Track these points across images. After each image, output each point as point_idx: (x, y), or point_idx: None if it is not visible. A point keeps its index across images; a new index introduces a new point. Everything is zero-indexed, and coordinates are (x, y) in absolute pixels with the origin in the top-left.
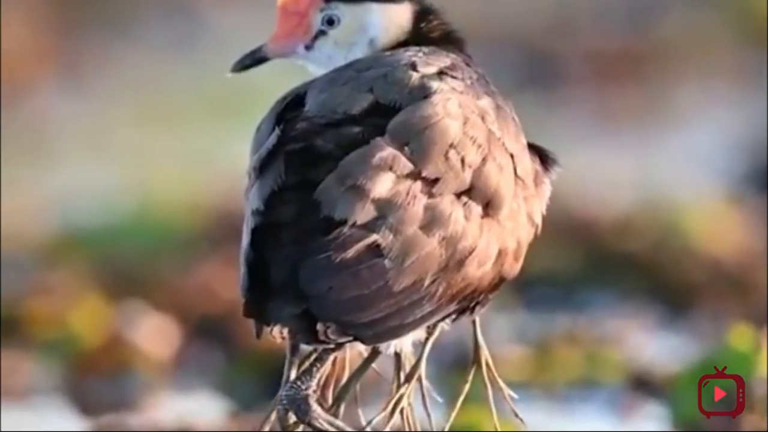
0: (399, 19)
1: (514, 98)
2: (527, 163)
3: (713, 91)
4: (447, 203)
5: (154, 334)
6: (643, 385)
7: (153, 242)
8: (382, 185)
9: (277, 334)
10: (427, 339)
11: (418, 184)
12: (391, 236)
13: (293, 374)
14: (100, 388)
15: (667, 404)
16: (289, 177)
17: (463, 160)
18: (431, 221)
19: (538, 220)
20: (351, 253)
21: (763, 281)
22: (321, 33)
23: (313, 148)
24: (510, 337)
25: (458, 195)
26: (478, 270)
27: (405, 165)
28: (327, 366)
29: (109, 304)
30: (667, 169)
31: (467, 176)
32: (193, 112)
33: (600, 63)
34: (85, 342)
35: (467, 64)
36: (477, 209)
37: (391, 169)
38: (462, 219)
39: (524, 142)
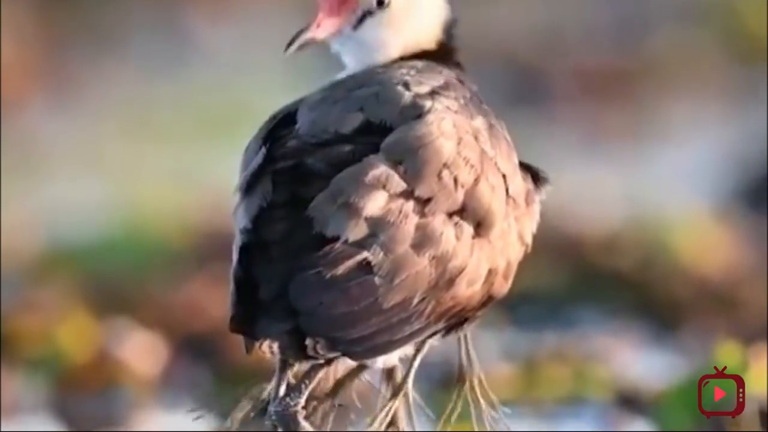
0: (440, 14)
1: (503, 116)
2: (519, 183)
3: (702, 109)
4: (439, 222)
5: (141, 351)
6: (631, 403)
7: (141, 259)
8: (375, 203)
9: (267, 350)
10: (415, 355)
11: (411, 204)
12: (381, 254)
13: (282, 390)
14: (87, 404)
15: (654, 421)
16: (278, 194)
17: (456, 180)
18: (422, 240)
19: (529, 240)
20: (341, 269)
21: (750, 298)
22: (369, 14)
23: (304, 167)
24: (498, 354)
25: (450, 214)
26: (468, 289)
27: (398, 184)
28: (316, 382)
29: (96, 320)
30: (655, 186)
31: (460, 196)
32: (182, 128)
33: (588, 80)
34: (73, 358)
35: (460, 82)
36: (468, 229)
37: (384, 187)
38: (453, 238)
39: (516, 161)
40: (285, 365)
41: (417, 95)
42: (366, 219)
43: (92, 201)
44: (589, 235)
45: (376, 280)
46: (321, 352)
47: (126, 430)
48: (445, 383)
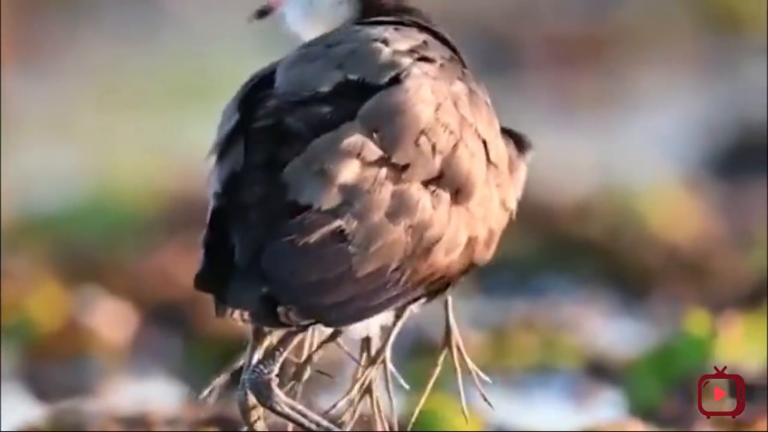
0: None
1: None
2: (501, 149)
3: (672, 77)
4: (414, 190)
5: (111, 320)
6: (600, 371)
7: (111, 227)
8: (349, 171)
9: (238, 317)
10: (395, 322)
11: (386, 171)
12: (355, 222)
13: (255, 358)
14: (56, 373)
15: (623, 390)
16: (256, 155)
17: (434, 147)
18: (398, 209)
19: (513, 206)
20: (315, 237)
21: (720, 267)
22: None
23: (283, 126)
24: (467, 322)
25: (427, 183)
26: (446, 258)
27: (374, 151)
28: (290, 350)
29: (66, 289)
30: (625, 154)
31: (437, 163)
32: (154, 96)
33: (559, 48)
34: (42, 327)
35: (443, 42)
36: (445, 197)
37: (359, 155)
38: (429, 207)
39: (497, 127)
40: (259, 333)
41: (396, 51)
42: (340, 187)
43: (62, 169)
44: (558, 203)
45: (350, 248)
46: (294, 319)
47: (96, 398)
48: (416, 352)
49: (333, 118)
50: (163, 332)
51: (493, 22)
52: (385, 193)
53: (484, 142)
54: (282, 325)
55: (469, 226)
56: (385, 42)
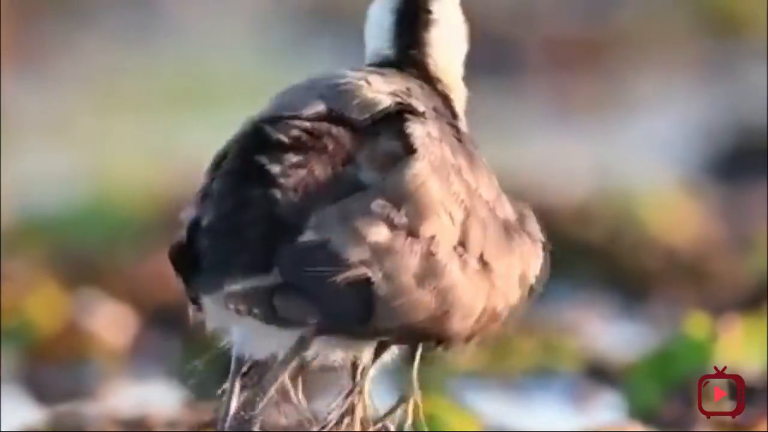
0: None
1: (471, 86)
2: (507, 206)
3: (671, 81)
4: (443, 255)
5: (110, 323)
6: (600, 374)
7: (110, 230)
8: (379, 233)
9: (229, 301)
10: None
11: (414, 239)
12: (382, 276)
13: (234, 406)
14: (55, 376)
15: (623, 393)
16: (234, 160)
17: (451, 216)
18: (426, 272)
19: (532, 280)
20: (340, 278)
21: (719, 269)
22: None
23: (262, 132)
24: None
25: (455, 247)
26: (461, 323)
27: (401, 221)
28: (270, 395)
29: (65, 292)
30: (624, 157)
31: (458, 231)
32: (152, 100)
33: (558, 51)
34: (41, 330)
35: (426, 93)
36: (472, 262)
37: (388, 220)
38: (458, 270)
39: (496, 183)
40: (238, 371)
41: (377, 90)
42: (370, 245)
43: (61, 172)
44: (557, 207)
45: (374, 299)
46: (293, 315)
47: (95, 401)
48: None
49: (314, 135)
50: (163, 335)
51: (492, 25)
52: (414, 258)
53: (487, 203)
54: (277, 320)
55: (488, 296)
56: (367, 81)
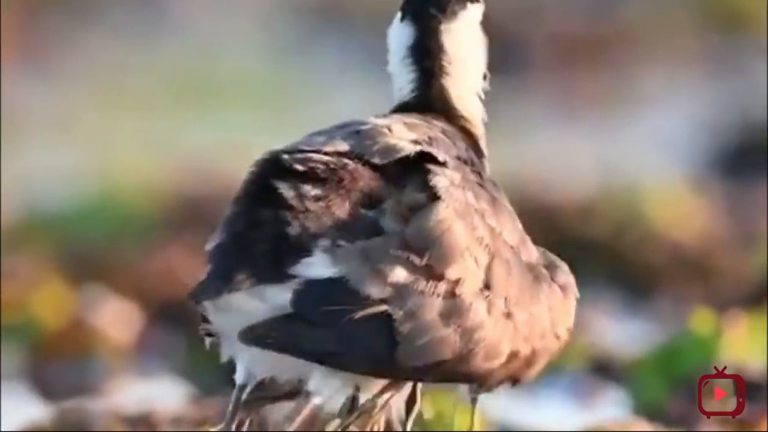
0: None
1: None
2: (533, 251)
3: (676, 77)
4: (468, 296)
5: (115, 319)
6: (605, 370)
7: (115, 227)
8: (400, 274)
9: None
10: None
11: (439, 282)
12: (403, 314)
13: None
14: (61, 372)
15: (628, 389)
16: (250, 185)
17: (476, 261)
18: (451, 311)
19: (562, 333)
20: (360, 314)
21: (724, 266)
22: None
23: (279, 161)
24: None
25: (480, 289)
26: (484, 363)
27: (423, 264)
28: None
29: (70, 288)
30: (629, 154)
31: (482, 275)
32: (156, 97)
33: (563, 48)
34: (47, 326)
35: (449, 138)
36: (499, 304)
37: (408, 262)
38: (484, 311)
39: (520, 227)
40: (239, 398)
41: (400, 138)
42: (392, 284)
43: (66, 168)
44: (563, 203)
45: (396, 336)
46: (311, 347)
47: (101, 398)
48: None
49: (329, 167)
50: (168, 331)
51: (497, 22)
52: (437, 299)
53: (512, 248)
54: (290, 348)
55: (512, 340)
56: (389, 128)
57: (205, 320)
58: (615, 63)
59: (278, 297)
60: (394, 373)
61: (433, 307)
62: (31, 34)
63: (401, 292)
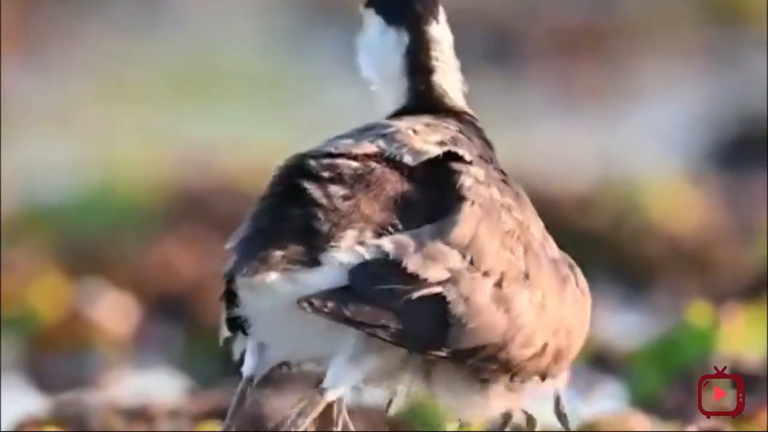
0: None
1: (476, 75)
2: (554, 248)
3: (675, 69)
4: (511, 287)
5: (113, 312)
6: (602, 363)
7: (113, 219)
8: (457, 260)
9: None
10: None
11: (485, 274)
12: (457, 296)
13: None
14: (58, 364)
15: (625, 381)
16: (274, 187)
17: (512, 251)
18: (498, 298)
19: (583, 335)
20: (416, 294)
21: (722, 258)
22: None
23: (304, 166)
24: None
25: (521, 279)
26: (521, 350)
27: (468, 258)
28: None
29: (68, 281)
30: (627, 146)
31: (521, 265)
32: (155, 89)
33: (562, 40)
34: (45, 319)
35: (468, 138)
36: (538, 295)
37: (460, 251)
38: (526, 301)
39: (542, 225)
40: (245, 390)
41: (425, 141)
42: (448, 268)
43: (64, 161)
44: (561, 195)
45: (449, 318)
46: (363, 318)
47: (98, 390)
48: None
49: (357, 173)
50: (165, 324)
51: (496, 14)
52: (487, 285)
53: (539, 242)
54: (344, 318)
55: (545, 332)
56: (414, 131)
57: (231, 305)
58: (613, 55)
59: (310, 282)
60: (441, 352)
61: (485, 292)
62: (31, 27)
63: (456, 276)
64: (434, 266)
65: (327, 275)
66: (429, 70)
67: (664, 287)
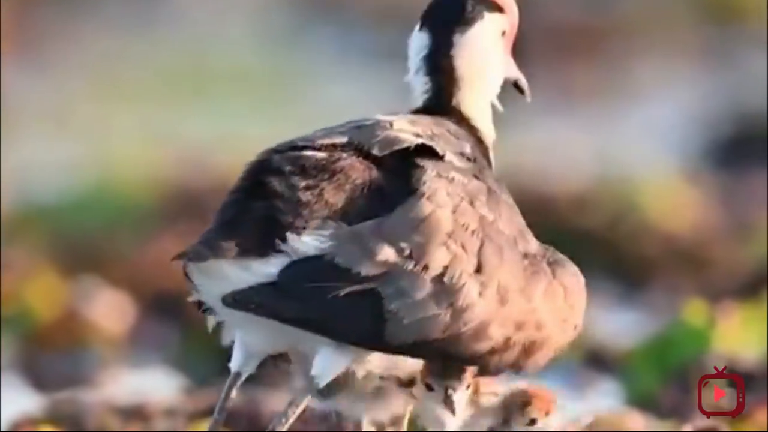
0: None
1: None
2: (532, 243)
3: (671, 68)
4: (458, 278)
5: (109, 310)
6: (598, 361)
7: (109, 218)
8: (391, 253)
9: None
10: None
11: (427, 267)
12: (392, 291)
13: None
14: (55, 363)
15: (622, 380)
16: (242, 182)
17: (464, 247)
18: (440, 292)
19: (569, 330)
20: (346, 290)
21: (718, 257)
22: None
23: (268, 163)
24: None
25: (471, 274)
26: (475, 344)
27: (410, 248)
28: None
29: (64, 279)
30: (624, 145)
31: (473, 261)
32: (152, 88)
33: (559, 38)
34: (41, 317)
35: (455, 137)
36: (492, 288)
37: (397, 245)
38: (475, 294)
39: (522, 225)
40: (234, 384)
41: (400, 130)
42: (382, 262)
43: (61, 159)
44: (557, 194)
45: (385, 314)
46: (290, 313)
47: (94, 389)
48: None
49: (327, 164)
50: (161, 323)
51: None
52: (427, 281)
53: (508, 238)
54: (274, 314)
55: (505, 325)
56: (391, 123)
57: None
58: (611, 54)
59: (263, 270)
60: (384, 348)
61: (423, 287)
62: (27, 26)
63: (391, 271)
64: (368, 261)
65: (282, 265)
66: (444, 81)
67: (661, 286)
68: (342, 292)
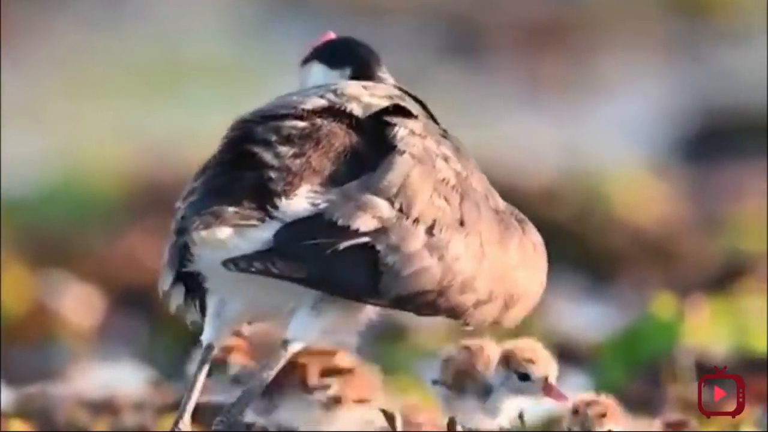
0: None
1: (440, 67)
2: (499, 201)
3: (639, 62)
4: (446, 233)
5: (78, 304)
6: (567, 354)
7: (78, 212)
8: (385, 209)
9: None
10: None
11: (416, 222)
12: (387, 246)
13: (197, 393)
14: (23, 357)
15: (590, 373)
16: (223, 154)
17: (447, 200)
18: (431, 245)
19: (536, 287)
20: (344, 245)
21: (686, 250)
22: None
23: (252, 135)
24: None
25: (456, 227)
26: (460, 295)
27: (399, 205)
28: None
29: (33, 273)
30: (591, 138)
31: (456, 213)
32: (121, 83)
33: (526, 32)
34: (9, 312)
35: (412, 98)
36: (475, 242)
37: (389, 200)
38: (462, 247)
39: (487, 183)
40: (206, 359)
41: (372, 95)
42: (378, 218)
43: (30, 154)
44: (525, 187)
45: (380, 267)
46: (290, 272)
47: (63, 382)
48: (385, 336)
49: (310, 133)
50: (130, 316)
51: (459, 6)
52: (418, 234)
53: (480, 193)
54: (268, 271)
55: (487, 278)
56: (365, 87)
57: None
58: (578, 48)
59: (260, 236)
60: (379, 301)
61: (417, 240)
62: None
63: (386, 225)
64: (363, 216)
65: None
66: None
67: (629, 279)
68: (340, 247)
